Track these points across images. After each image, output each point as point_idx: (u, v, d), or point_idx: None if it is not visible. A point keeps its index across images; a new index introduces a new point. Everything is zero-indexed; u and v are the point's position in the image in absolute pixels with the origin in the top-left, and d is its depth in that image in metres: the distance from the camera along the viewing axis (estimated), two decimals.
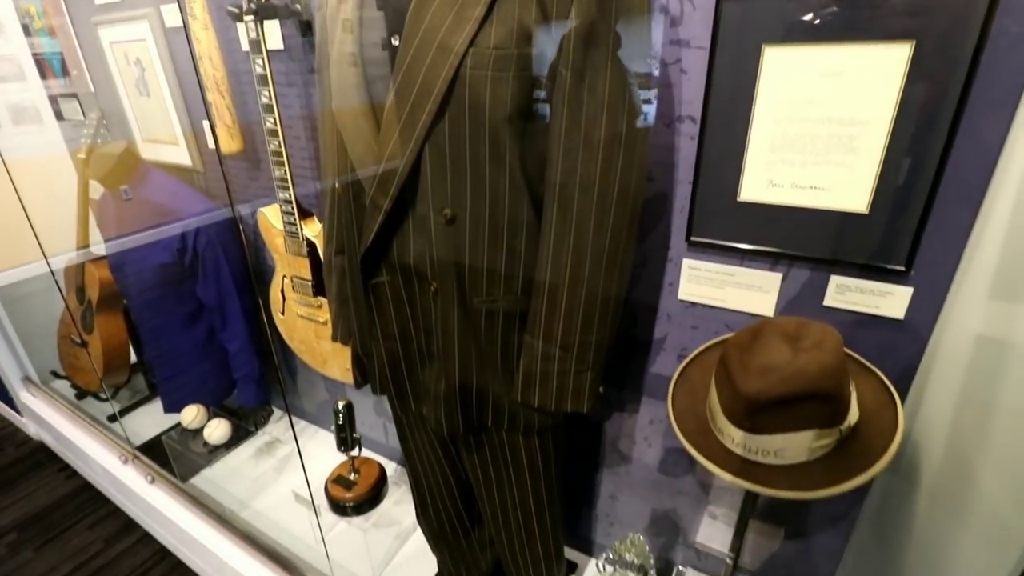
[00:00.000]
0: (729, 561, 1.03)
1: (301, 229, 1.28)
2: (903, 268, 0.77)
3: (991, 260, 0.72)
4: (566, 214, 0.71)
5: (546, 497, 1.02)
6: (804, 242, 0.82)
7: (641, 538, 0.95)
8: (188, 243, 1.52)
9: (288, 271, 1.40)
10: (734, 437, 0.75)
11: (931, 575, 0.62)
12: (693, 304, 0.96)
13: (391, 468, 1.73)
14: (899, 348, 0.80)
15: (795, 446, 0.71)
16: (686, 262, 0.94)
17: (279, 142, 1.17)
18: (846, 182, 0.77)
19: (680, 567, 1.24)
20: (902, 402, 0.75)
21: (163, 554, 1.75)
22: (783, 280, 0.87)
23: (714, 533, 1.17)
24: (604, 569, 0.96)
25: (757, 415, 0.70)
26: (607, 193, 0.68)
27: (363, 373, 0.99)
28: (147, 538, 1.81)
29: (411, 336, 0.85)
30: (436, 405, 0.85)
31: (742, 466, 0.74)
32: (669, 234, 0.95)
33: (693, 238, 0.91)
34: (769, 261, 0.87)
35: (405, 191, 0.70)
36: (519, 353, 0.83)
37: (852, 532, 1.00)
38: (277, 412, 2.02)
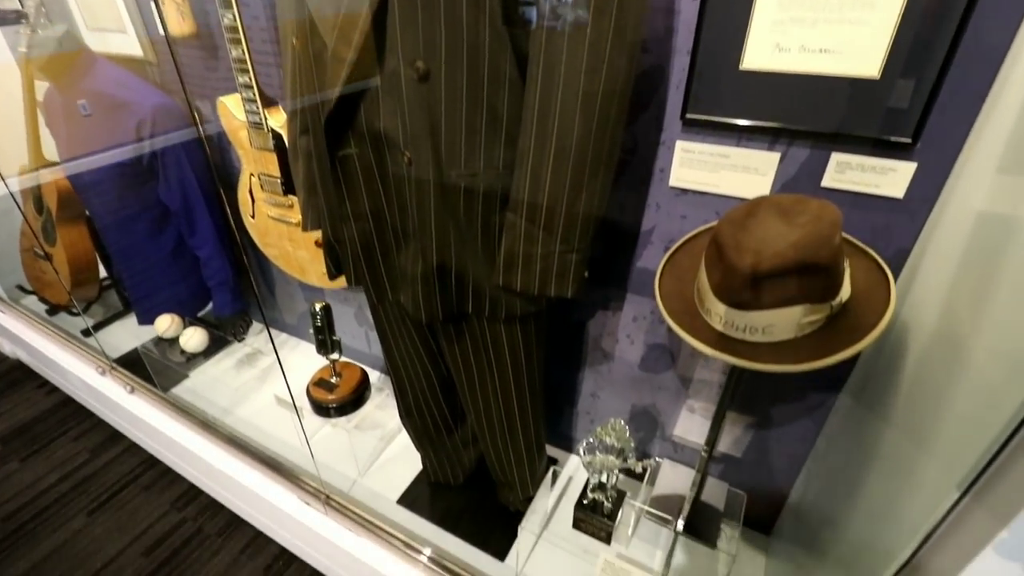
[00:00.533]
0: (704, 454, 1.05)
1: (265, 119, 1.18)
2: (909, 140, 0.72)
3: (1004, 129, 0.67)
4: (553, 70, 0.63)
5: (528, 391, 1.01)
6: (808, 115, 0.76)
7: (622, 422, 0.96)
8: (144, 141, 1.40)
9: (255, 168, 1.31)
10: (722, 315, 0.72)
11: (910, 455, 0.62)
12: (684, 191, 0.91)
13: (375, 376, 1.73)
14: (895, 230, 0.77)
15: (784, 322, 0.69)
16: (679, 144, 0.88)
17: (234, 15, 1.04)
18: (859, 43, 0.70)
19: (657, 459, 1.27)
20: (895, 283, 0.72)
21: (151, 462, 1.76)
22: (781, 160, 0.82)
23: (691, 426, 1.19)
24: (583, 455, 0.97)
25: (748, 290, 0.67)
26: (600, 40, 0.61)
27: (336, 262, 0.94)
28: (134, 448, 1.82)
29: (384, 215, 0.79)
30: (413, 288, 0.81)
31: (728, 343, 0.72)
32: (663, 114, 0.88)
33: (689, 115, 0.84)
34: (768, 139, 0.82)
35: (370, 40, 0.62)
36: (501, 235, 0.78)
37: (827, 418, 1.02)
38: (258, 325, 1.99)
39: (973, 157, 0.70)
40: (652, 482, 1.23)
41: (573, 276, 0.77)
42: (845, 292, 0.71)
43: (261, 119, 1.18)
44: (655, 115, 0.87)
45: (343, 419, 1.40)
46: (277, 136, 1.19)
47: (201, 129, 1.36)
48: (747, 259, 0.66)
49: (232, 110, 1.25)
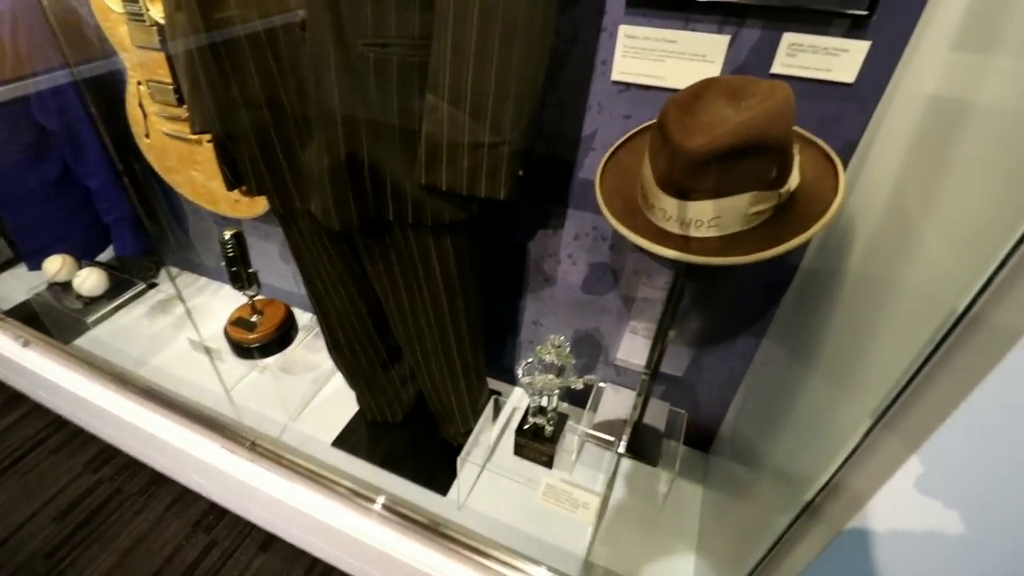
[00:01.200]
0: (644, 377, 1.02)
1: (147, 8, 0.99)
2: (865, 12, 0.66)
3: (959, 3, 0.62)
4: None
5: (464, 314, 0.93)
6: None
7: (563, 338, 0.90)
8: (3, 42, 1.17)
9: (142, 74, 1.12)
10: (666, 209, 0.66)
11: (840, 374, 0.58)
12: (627, 86, 0.83)
13: (306, 318, 1.60)
14: (844, 119, 0.74)
15: (731, 213, 0.64)
16: (623, 29, 0.79)
17: None
18: None
19: (600, 384, 1.24)
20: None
21: (59, 423, 1.59)
22: (730, 44, 0.75)
23: (634, 348, 1.15)
24: (522, 376, 0.91)
25: (694, 176, 0.61)
26: None
27: (233, 168, 0.80)
28: (39, 410, 1.63)
29: (282, 100, 0.66)
30: (321, 189, 0.70)
31: (672, 238, 0.66)
32: None
33: None
34: (718, 19, 0.74)
35: None
36: (422, 123, 0.67)
37: (766, 332, 1.00)
38: (176, 268, 1.79)
39: (926, 36, 0.65)
40: (595, 408, 1.20)
41: (506, 173, 0.68)
42: (793, 181, 0.66)
43: (141, 8, 0.99)
44: None
45: (270, 360, 1.28)
46: (164, 31, 1.01)
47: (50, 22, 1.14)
48: (694, 140, 0.60)
49: (107, 1, 1.05)
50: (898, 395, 0.42)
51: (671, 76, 0.81)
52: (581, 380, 0.92)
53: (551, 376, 0.93)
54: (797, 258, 0.91)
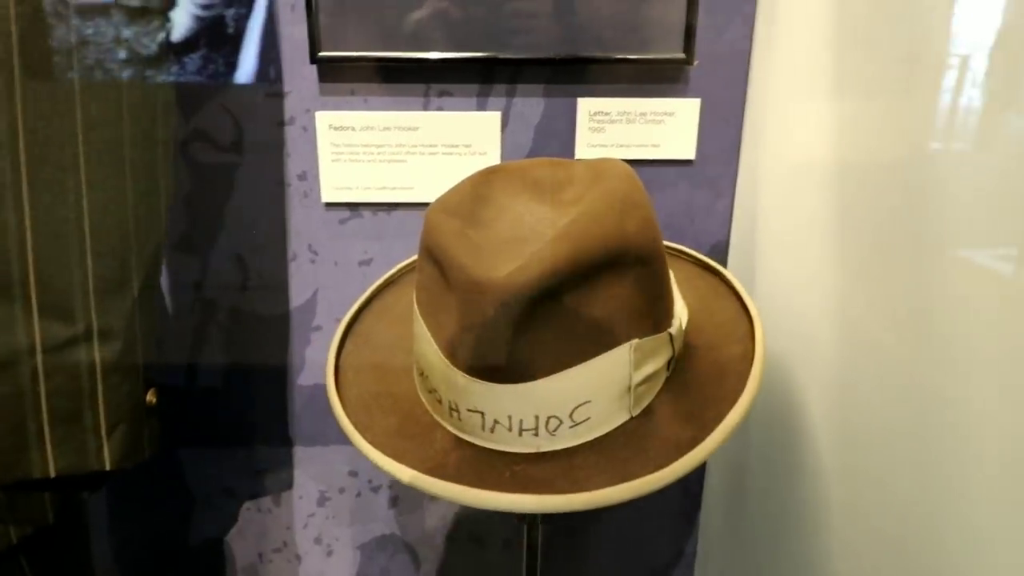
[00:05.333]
0: None
1: None
2: (682, 55, 0.60)
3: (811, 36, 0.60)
4: None
5: None
6: (527, 32, 0.59)
7: None
8: None
9: None
10: (485, 411, 0.44)
11: None
12: (353, 208, 0.66)
13: None
14: (698, 213, 0.70)
15: (607, 388, 0.45)
16: (323, 120, 0.63)
17: None
18: None
19: None
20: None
21: None
22: (504, 125, 0.64)
23: None
24: None
25: (521, 335, 0.41)
26: None
27: None
28: None
29: None
30: None
31: (520, 472, 0.44)
32: (278, 61, 0.62)
33: (324, 52, 0.59)
34: (475, 85, 0.63)
35: None
36: None
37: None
38: None
39: (770, 77, 0.62)
40: None
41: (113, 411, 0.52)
42: (681, 310, 0.51)
43: None
44: (262, 66, 0.61)
45: None
46: None
47: None
48: (503, 267, 0.41)
49: None
50: None
51: (423, 183, 0.65)
52: None
53: None
54: None
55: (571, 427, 0.44)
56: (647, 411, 0.47)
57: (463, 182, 0.51)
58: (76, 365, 0.50)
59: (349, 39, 0.60)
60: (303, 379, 0.73)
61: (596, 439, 0.45)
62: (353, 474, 0.77)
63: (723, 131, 0.65)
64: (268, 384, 0.73)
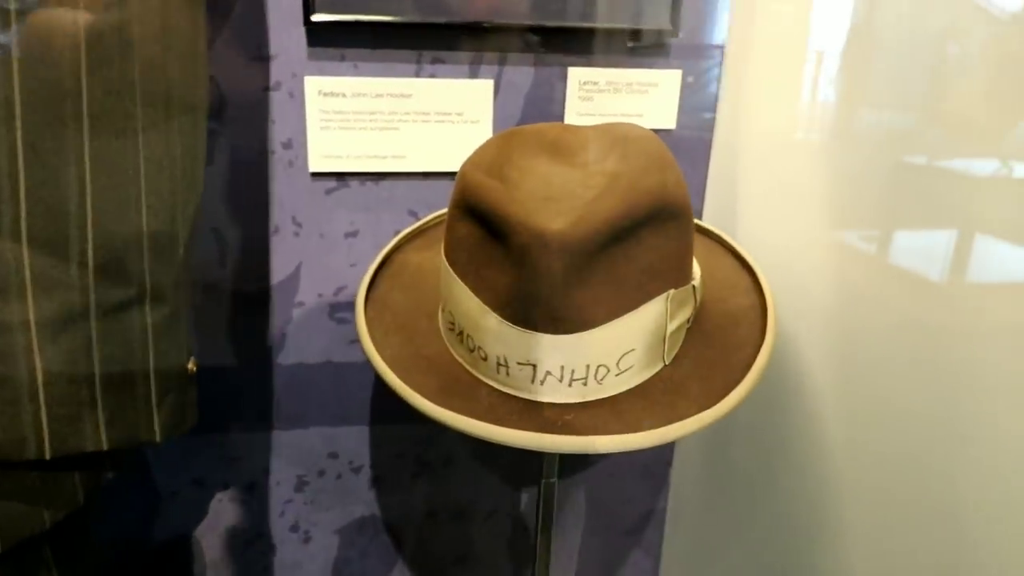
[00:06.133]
0: None
1: None
2: (669, 27, 0.66)
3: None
4: None
5: None
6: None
7: None
8: None
9: None
10: (538, 362, 0.47)
11: None
12: (340, 178, 0.67)
13: None
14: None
15: (647, 336, 0.50)
16: (313, 85, 0.63)
17: None
18: None
19: None
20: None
21: None
22: (496, 92, 0.67)
23: None
24: None
25: (578, 285, 0.45)
26: None
27: None
28: None
29: None
30: None
31: (572, 420, 0.48)
32: (263, 26, 0.62)
33: (317, 16, 0.60)
34: (469, 54, 0.66)
35: None
36: None
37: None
38: None
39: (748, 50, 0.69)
40: None
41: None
42: (695, 269, 0.57)
43: None
44: (247, 29, 0.60)
45: None
46: None
47: None
48: (557, 219, 0.44)
49: None
50: None
51: (416, 151, 0.67)
52: None
53: None
54: None
55: (617, 375, 0.49)
56: (677, 359, 0.52)
57: (488, 144, 0.54)
58: (130, 330, 0.48)
59: (340, 2, 0.61)
60: (283, 358, 0.72)
61: (637, 386, 0.50)
62: (333, 456, 0.77)
63: (701, 102, 0.71)
64: (246, 365, 0.71)
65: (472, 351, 0.50)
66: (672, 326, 0.50)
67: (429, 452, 0.79)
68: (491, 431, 0.45)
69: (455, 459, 0.80)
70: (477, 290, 0.49)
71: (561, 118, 0.69)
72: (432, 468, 0.80)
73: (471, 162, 0.51)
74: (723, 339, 0.54)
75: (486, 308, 0.48)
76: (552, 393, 0.48)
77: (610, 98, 0.69)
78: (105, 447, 0.48)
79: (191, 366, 0.54)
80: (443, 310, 0.54)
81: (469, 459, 0.81)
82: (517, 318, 0.46)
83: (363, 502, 0.80)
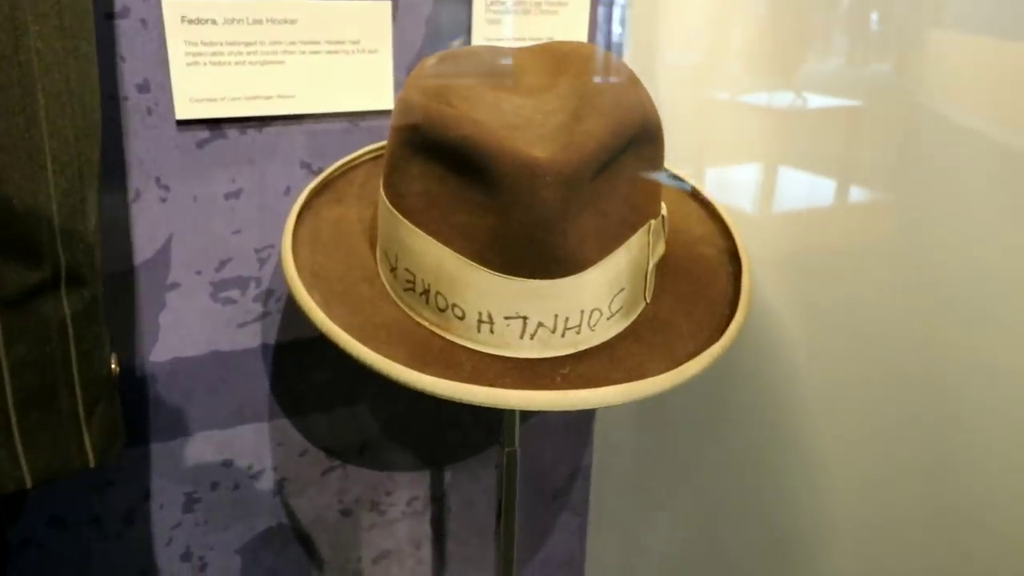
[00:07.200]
0: None
1: None
2: None
3: None
4: None
5: None
6: None
7: None
8: None
9: None
10: (531, 315, 0.45)
11: None
12: (215, 126, 0.58)
13: None
14: None
15: (635, 274, 0.49)
16: (172, 8, 0.54)
17: None
18: None
19: None
20: None
21: None
22: (394, 14, 0.61)
23: None
24: None
25: (571, 221, 0.43)
26: None
27: None
28: None
29: None
30: None
31: (569, 373, 0.46)
32: None
33: None
34: None
35: None
36: None
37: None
38: None
39: None
40: None
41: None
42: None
43: None
44: None
45: None
46: None
47: None
48: (541, 146, 0.41)
49: None
50: None
51: (305, 88, 0.60)
52: None
53: None
54: None
55: (608, 319, 0.47)
56: (655, 296, 0.51)
57: (423, 68, 0.50)
58: (44, 324, 0.42)
59: None
60: (156, 354, 0.62)
61: (628, 329, 0.49)
62: (227, 464, 0.69)
63: (609, 21, 0.70)
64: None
65: (443, 311, 0.46)
66: (653, 259, 0.49)
67: (339, 442, 0.73)
68: (495, 396, 0.41)
69: (369, 445, 0.75)
70: (447, 240, 0.44)
71: (468, 44, 0.65)
72: (345, 458, 0.74)
73: (416, 88, 0.46)
74: (691, 271, 0.54)
75: (462, 259, 0.44)
76: (543, 347, 0.46)
77: (520, 20, 0.66)
78: (29, 484, 0.42)
79: (114, 366, 0.49)
80: (393, 270, 0.49)
81: (384, 442, 0.76)
82: (504, 266, 0.43)
83: (266, 512, 0.73)
